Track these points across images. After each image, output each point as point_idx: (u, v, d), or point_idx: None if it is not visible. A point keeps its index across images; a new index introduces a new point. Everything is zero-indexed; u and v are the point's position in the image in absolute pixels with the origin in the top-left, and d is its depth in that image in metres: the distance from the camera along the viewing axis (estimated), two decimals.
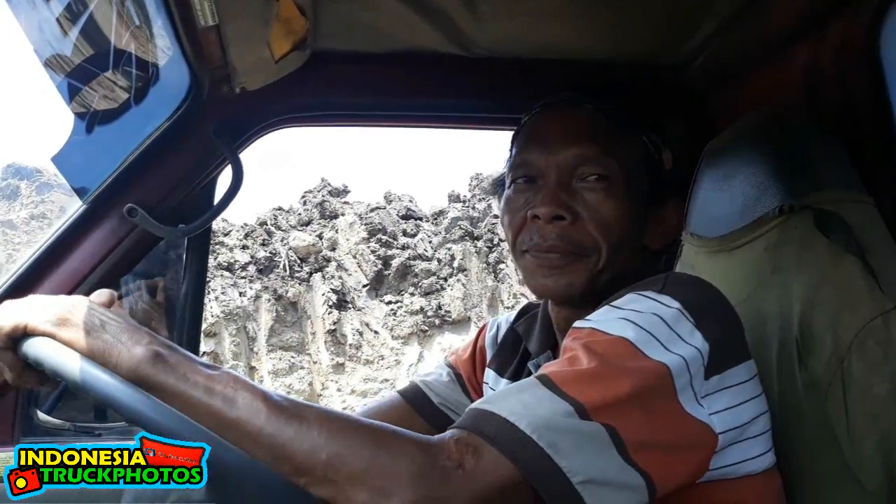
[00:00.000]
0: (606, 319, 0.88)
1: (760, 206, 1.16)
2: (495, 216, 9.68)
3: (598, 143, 1.05)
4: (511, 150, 1.16)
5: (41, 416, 1.45)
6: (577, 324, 0.91)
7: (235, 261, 9.09)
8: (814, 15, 1.23)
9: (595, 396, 0.78)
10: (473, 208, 10.09)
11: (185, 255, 1.58)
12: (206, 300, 8.28)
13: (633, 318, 0.86)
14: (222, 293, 8.74)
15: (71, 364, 0.78)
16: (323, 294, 9.10)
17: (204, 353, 7.99)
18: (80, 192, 1.38)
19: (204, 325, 8.23)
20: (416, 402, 1.34)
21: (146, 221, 1.34)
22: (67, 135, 1.34)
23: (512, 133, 1.19)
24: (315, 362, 8.99)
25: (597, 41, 1.41)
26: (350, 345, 9.00)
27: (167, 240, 1.46)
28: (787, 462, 0.99)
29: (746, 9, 1.28)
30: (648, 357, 0.82)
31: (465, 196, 10.48)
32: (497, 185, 1.22)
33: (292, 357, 8.91)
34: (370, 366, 9.01)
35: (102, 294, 0.92)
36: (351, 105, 1.51)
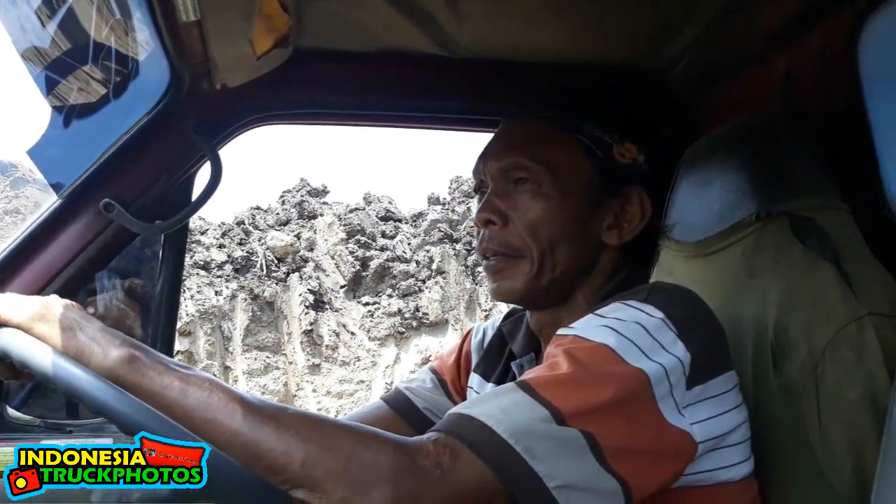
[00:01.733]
0: (589, 327, 0.89)
1: (738, 212, 1.17)
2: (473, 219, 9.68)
3: (521, 153, 1.11)
4: None
5: (10, 412, 1.43)
6: (560, 331, 0.92)
7: (212, 259, 9.02)
8: (794, 23, 1.24)
9: (573, 402, 0.78)
10: (453, 211, 10.09)
11: (161, 253, 1.57)
12: (181, 299, 8.21)
13: (615, 325, 0.87)
14: (198, 292, 8.67)
15: (40, 356, 0.77)
16: (300, 294, 9.05)
17: (178, 352, 7.92)
18: (55, 186, 1.36)
19: (179, 324, 8.18)
20: (400, 408, 1.33)
21: (122, 217, 1.32)
22: (44, 128, 1.32)
23: (492, 134, 1.21)
24: (291, 363, 8.94)
25: (579, 45, 1.41)
26: (326, 346, 8.96)
27: (143, 236, 1.44)
28: (762, 466, 1.00)
29: (728, 15, 1.29)
30: (628, 364, 0.83)
31: (444, 198, 10.47)
32: None
33: (268, 357, 8.85)
34: (346, 367, 8.97)
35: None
36: (332, 104, 1.50)
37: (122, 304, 1.54)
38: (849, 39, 1.16)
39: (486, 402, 0.81)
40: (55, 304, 0.87)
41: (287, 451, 0.73)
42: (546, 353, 0.90)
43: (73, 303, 0.90)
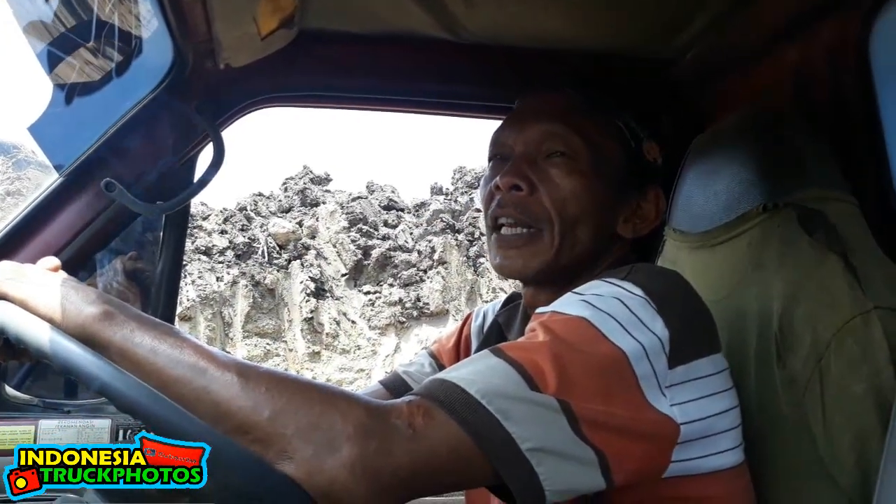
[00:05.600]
0: (567, 303, 0.89)
1: (744, 203, 1.16)
2: (477, 210, 9.69)
3: (565, 122, 1.08)
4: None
5: (9, 391, 1.43)
6: (539, 309, 0.91)
7: (213, 245, 9.03)
8: (805, 15, 1.23)
9: (549, 370, 0.78)
10: (455, 201, 10.08)
11: (161, 234, 1.56)
12: (182, 284, 8.23)
13: (592, 300, 0.87)
14: (199, 277, 8.68)
15: (36, 331, 0.76)
16: (301, 282, 9.06)
17: None
18: (56, 164, 1.35)
19: (179, 309, 8.20)
20: (397, 391, 1.32)
21: (124, 196, 1.31)
22: (45, 106, 1.31)
23: (498, 121, 1.20)
24: (291, 350, 8.96)
25: (588, 32, 1.40)
26: (327, 333, 8.98)
27: (144, 216, 1.43)
28: (761, 458, 0.99)
29: (738, 6, 1.28)
30: (606, 338, 0.82)
31: (447, 189, 10.47)
32: None
33: (268, 344, 8.87)
34: (346, 355, 8.99)
35: (47, 261, 0.90)
36: (337, 86, 1.49)
37: (122, 286, 1.53)
38: (860, 33, 1.15)
39: (461, 367, 0.81)
40: (26, 266, 0.86)
41: (256, 409, 0.71)
42: (526, 328, 0.89)
43: (47, 259, 0.90)
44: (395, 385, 1.33)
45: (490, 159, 1.17)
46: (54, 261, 0.90)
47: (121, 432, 1.52)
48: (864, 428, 0.92)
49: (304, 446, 0.70)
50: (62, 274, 0.87)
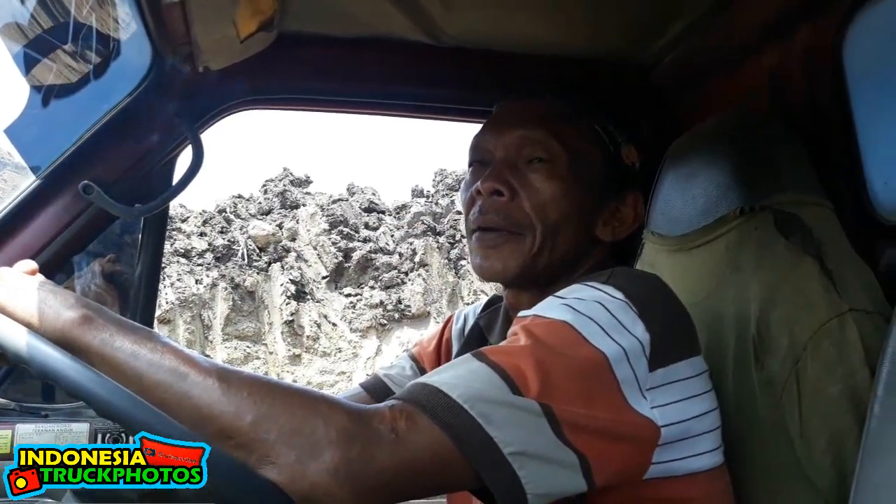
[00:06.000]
0: (548, 307, 0.89)
1: (722, 206, 1.17)
2: (458, 212, 9.70)
3: (544, 128, 1.09)
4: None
5: None
6: (521, 313, 0.92)
7: (192, 248, 8.97)
8: (782, 19, 1.24)
9: (531, 374, 0.78)
10: (436, 204, 10.08)
11: (140, 237, 1.55)
12: (161, 286, 8.18)
13: (574, 304, 0.87)
14: (178, 280, 8.62)
15: (13, 336, 0.75)
16: (281, 284, 9.02)
17: None
18: (33, 167, 1.34)
19: (158, 312, 8.13)
20: (378, 394, 1.32)
21: (102, 199, 1.29)
22: (22, 108, 1.30)
23: (478, 125, 1.20)
24: (271, 353, 8.91)
25: (566, 36, 1.41)
26: (307, 336, 8.94)
27: (123, 219, 1.42)
28: (739, 460, 1.00)
29: (716, 11, 1.29)
30: (587, 342, 0.82)
31: (428, 191, 10.47)
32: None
33: (248, 347, 8.82)
34: (327, 358, 8.96)
35: (24, 264, 0.88)
36: (317, 89, 1.48)
37: (101, 289, 1.52)
38: (834, 38, 1.17)
39: (444, 371, 0.81)
40: (3, 269, 0.84)
41: (238, 414, 0.71)
42: (508, 332, 0.89)
43: (24, 262, 0.88)
44: (376, 388, 1.33)
45: (470, 164, 1.17)
46: (31, 264, 0.89)
47: (99, 436, 1.51)
48: (840, 429, 0.93)
49: (287, 451, 0.70)
50: (40, 277, 0.86)
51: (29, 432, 1.47)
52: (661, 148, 1.36)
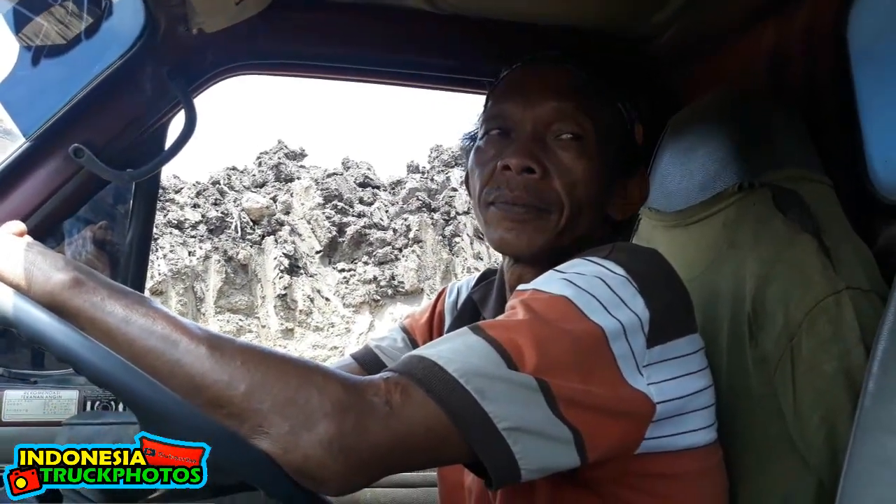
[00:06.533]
0: (548, 281, 0.88)
1: (720, 182, 1.16)
2: (453, 189, 9.69)
3: (575, 101, 1.05)
4: (486, 104, 1.15)
5: None
6: (520, 287, 0.91)
7: (186, 219, 8.94)
8: None
9: (528, 350, 0.77)
10: (432, 180, 10.06)
11: (131, 204, 1.54)
12: (153, 258, 8.17)
13: (574, 279, 0.86)
14: (171, 251, 8.60)
15: (1, 297, 0.74)
16: (275, 258, 9.02)
17: None
18: (23, 129, 1.32)
19: (151, 284, 8.13)
20: (369, 365, 1.31)
21: (93, 163, 1.28)
22: (11, 67, 1.28)
23: (474, 95, 1.18)
24: (264, 326, 8.93)
25: (566, 6, 1.39)
26: (300, 311, 8.95)
27: (114, 187, 1.41)
28: (732, 436, 1.00)
29: None
30: (586, 317, 0.82)
31: (423, 167, 10.44)
32: (466, 141, 1.20)
33: (240, 320, 8.83)
34: (320, 332, 8.98)
35: (12, 225, 0.86)
36: (312, 55, 1.46)
37: (91, 256, 1.51)
38: (836, 14, 1.15)
39: (440, 344, 0.80)
40: None
41: (231, 383, 0.70)
42: (506, 306, 0.88)
43: (12, 223, 0.86)
44: (367, 359, 1.32)
45: (488, 131, 1.11)
46: (20, 225, 0.87)
47: (88, 404, 1.51)
48: (834, 407, 0.92)
49: (281, 422, 0.70)
50: (28, 239, 0.83)
51: (17, 398, 1.47)
52: (660, 123, 1.35)
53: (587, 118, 1.05)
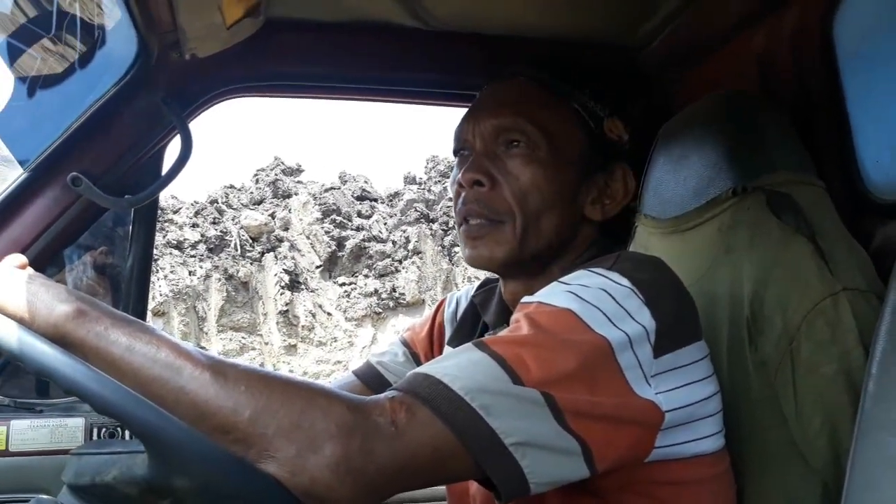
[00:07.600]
0: (552, 293, 0.88)
1: (714, 188, 1.16)
2: (451, 199, 9.68)
3: (518, 113, 1.07)
4: None
5: None
6: (524, 299, 0.91)
7: (185, 239, 8.95)
8: (771, 0, 1.23)
9: (533, 365, 0.77)
10: (429, 191, 10.07)
11: (131, 228, 1.54)
12: (154, 279, 8.16)
13: (579, 292, 0.86)
14: (171, 272, 8.60)
15: (6, 332, 0.74)
16: (275, 274, 9.02)
17: None
18: (21, 159, 1.33)
19: (152, 305, 8.13)
20: (371, 382, 1.32)
21: (91, 191, 1.28)
22: (7, 99, 1.29)
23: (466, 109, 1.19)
24: (266, 343, 8.92)
25: (555, 19, 1.40)
26: (303, 326, 8.95)
27: (113, 211, 1.41)
28: (736, 441, 1.00)
29: None
30: (591, 329, 0.82)
31: (420, 178, 10.46)
32: None
33: (243, 338, 8.82)
34: (323, 347, 8.97)
35: (14, 258, 0.87)
36: (305, 75, 1.47)
37: (92, 282, 1.51)
38: (823, 17, 1.16)
39: (444, 360, 0.81)
40: None
41: (236, 409, 0.70)
42: (511, 320, 0.89)
43: (14, 256, 0.87)
44: (369, 376, 1.33)
45: (455, 154, 1.17)
46: (21, 258, 0.87)
47: (95, 431, 1.51)
48: (835, 409, 0.93)
49: (287, 446, 0.70)
50: (30, 271, 0.84)
51: (23, 428, 1.47)
52: (653, 129, 1.35)
53: (532, 126, 1.06)
